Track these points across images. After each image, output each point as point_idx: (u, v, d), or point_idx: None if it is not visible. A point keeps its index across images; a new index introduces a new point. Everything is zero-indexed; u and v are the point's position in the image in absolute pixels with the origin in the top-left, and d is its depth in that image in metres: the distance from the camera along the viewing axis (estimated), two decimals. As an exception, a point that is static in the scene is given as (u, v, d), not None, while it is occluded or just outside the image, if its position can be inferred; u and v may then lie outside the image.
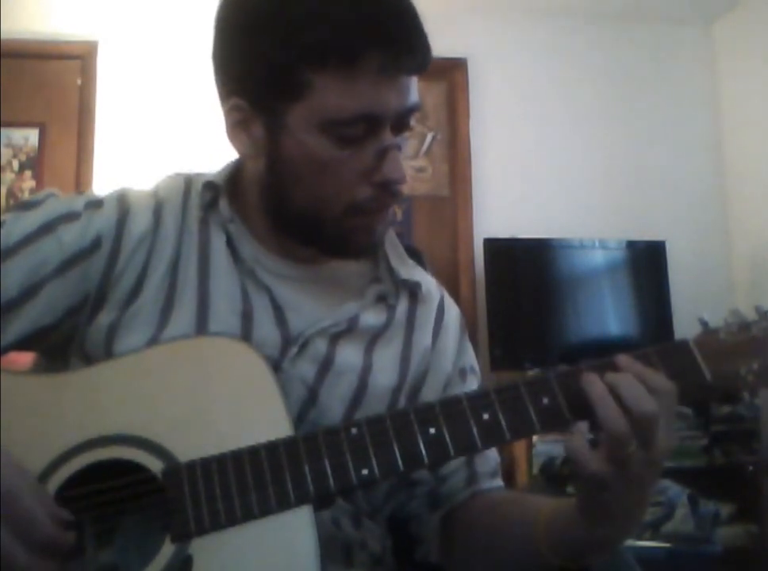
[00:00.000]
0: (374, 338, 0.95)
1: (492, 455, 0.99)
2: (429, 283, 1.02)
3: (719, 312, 0.84)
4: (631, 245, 3.47)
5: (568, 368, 0.79)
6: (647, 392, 0.73)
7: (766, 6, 3.43)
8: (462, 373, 1.00)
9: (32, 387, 0.82)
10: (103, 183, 3.17)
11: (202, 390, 0.80)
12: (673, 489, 2.79)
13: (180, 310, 0.89)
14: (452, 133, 3.58)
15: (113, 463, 0.77)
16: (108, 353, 0.86)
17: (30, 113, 3.28)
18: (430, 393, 0.96)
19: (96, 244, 0.89)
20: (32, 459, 0.75)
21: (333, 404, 0.90)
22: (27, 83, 3.28)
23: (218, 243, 0.93)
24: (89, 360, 0.88)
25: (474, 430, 0.77)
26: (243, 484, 0.75)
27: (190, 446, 0.77)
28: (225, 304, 0.90)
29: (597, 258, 3.42)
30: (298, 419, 0.86)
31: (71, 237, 0.88)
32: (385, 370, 0.94)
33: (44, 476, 0.76)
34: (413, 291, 0.99)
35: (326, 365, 0.91)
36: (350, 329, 0.93)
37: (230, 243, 0.93)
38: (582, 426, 0.78)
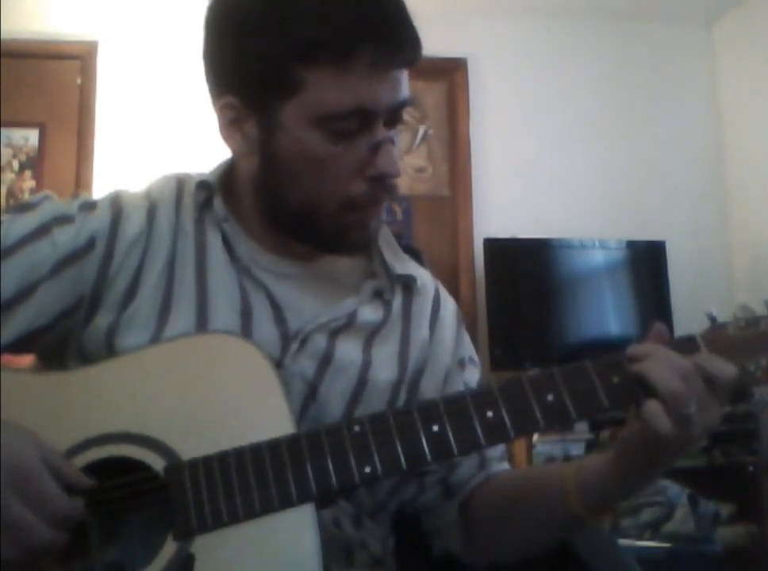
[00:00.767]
0: (372, 334, 0.95)
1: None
2: (424, 276, 1.03)
3: (718, 311, 0.84)
4: (631, 245, 3.47)
5: (572, 365, 0.79)
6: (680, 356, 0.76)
7: (766, 6, 3.43)
8: (461, 364, 1.00)
9: (33, 385, 0.82)
10: (103, 183, 3.17)
11: (204, 388, 0.80)
12: (673, 489, 2.79)
13: (179, 309, 0.89)
14: (452, 133, 3.58)
15: (116, 461, 0.77)
16: (108, 354, 0.86)
17: (30, 113, 3.28)
18: (429, 386, 0.96)
19: (90, 245, 0.89)
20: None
21: (333, 400, 0.90)
22: (27, 83, 3.27)
23: (214, 242, 0.93)
24: (88, 362, 0.87)
25: (478, 427, 0.77)
26: (245, 482, 0.75)
27: (192, 444, 0.77)
28: (224, 303, 0.90)
29: (597, 258, 3.42)
30: (299, 415, 0.86)
31: (65, 239, 0.88)
32: (384, 366, 0.94)
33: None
34: (408, 285, 0.99)
35: (326, 360, 0.91)
36: (349, 324, 0.93)
37: (226, 242, 0.93)
38: (582, 426, 0.79)
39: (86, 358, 0.88)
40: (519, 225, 3.40)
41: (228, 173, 0.96)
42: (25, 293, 0.86)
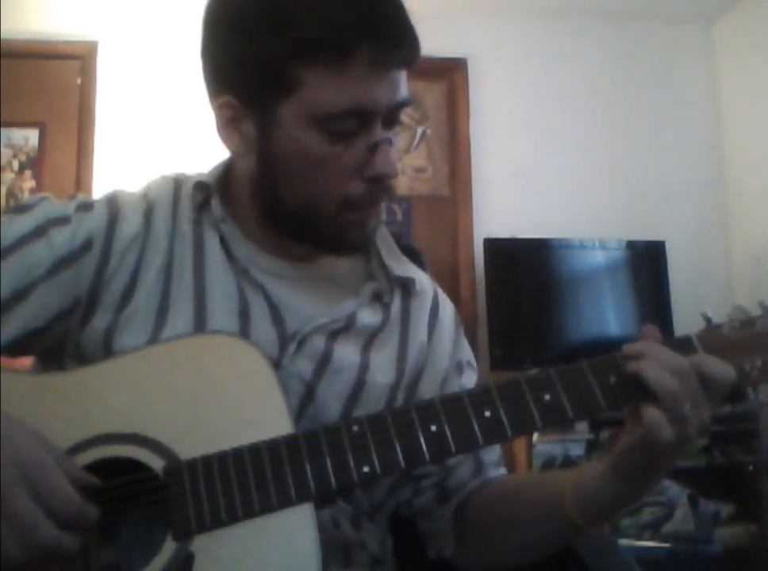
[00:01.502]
0: (371, 337, 0.95)
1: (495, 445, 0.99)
2: (422, 279, 1.03)
3: (719, 311, 0.84)
4: (631, 245, 3.47)
5: (569, 365, 0.79)
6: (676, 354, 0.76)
7: (766, 6, 3.43)
8: (459, 367, 1.00)
9: (31, 386, 0.82)
10: (103, 183, 3.17)
11: (203, 387, 0.80)
12: (673, 489, 2.79)
13: (177, 310, 0.88)
14: (452, 133, 3.58)
15: (114, 461, 0.77)
16: (106, 355, 0.86)
17: (30, 113, 3.28)
18: (427, 388, 0.96)
19: (86, 246, 0.89)
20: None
21: (330, 401, 0.90)
22: (27, 83, 3.28)
23: (212, 243, 0.93)
24: (86, 363, 0.87)
25: (476, 427, 0.77)
26: (244, 482, 0.75)
27: (191, 444, 0.77)
28: (222, 304, 0.90)
29: (597, 258, 3.42)
30: (296, 416, 0.86)
31: (61, 240, 0.88)
32: (382, 369, 0.94)
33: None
34: (407, 287, 0.99)
35: (324, 361, 0.91)
36: (347, 327, 0.93)
37: (223, 243, 0.93)
38: (582, 426, 0.79)
39: (84, 359, 0.87)
40: (519, 225, 3.40)
41: (225, 173, 0.96)
42: (22, 294, 0.86)
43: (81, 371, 0.85)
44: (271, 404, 0.79)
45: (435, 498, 0.97)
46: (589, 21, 3.69)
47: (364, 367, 0.93)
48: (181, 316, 0.88)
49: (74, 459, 0.76)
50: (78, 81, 3.33)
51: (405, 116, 0.92)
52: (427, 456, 0.77)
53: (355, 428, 0.77)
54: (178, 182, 0.97)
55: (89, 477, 0.74)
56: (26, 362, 0.95)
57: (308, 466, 0.75)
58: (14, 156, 3.27)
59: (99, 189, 3.09)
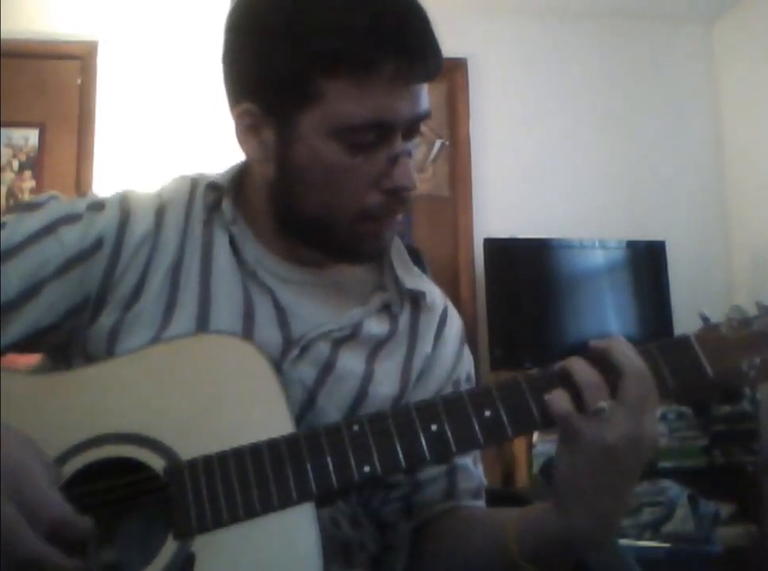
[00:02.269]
0: (376, 347, 0.95)
1: (476, 474, 0.98)
2: (434, 293, 1.02)
3: (719, 311, 0.84)
4: (631, 245, 3.47)
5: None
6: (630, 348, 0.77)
7: (766, 6, 3.43)
8: (457, 384, 0.99)
9: (32, 386, 0.82)
10: (103, 183, 3.17)
11: (204, 388, 0.80)
12: (673, 489, 2.79)
13: (181, 310, 0.88)
14: (452, 133, 3.58)
15: (115, 461, 0.77)
16: (110, 354, 0.86)
17: (30, 113, 3.28)
18: (419, 397, 0.94)
19: (97, 245, 0.89)
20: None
21: (331, 409, 0.89)
22: (27, 83, 3.28)
23: (221, 244, 0.92)
24: (91, 361, 0.87)
25: (476, 426, 0.77)
26: (245, 482, 0.75)
27: (191, 444, 0.77)
28: (227, 305, 0.90)
29: (597, 258, 3.43)
30: (296, 422, 0.86)
31: (72, 238, 0.88)
32: (386, 380, 0.93)
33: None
34: (417, 300, 0.99)
35: (327, 369, 0.90)
36: (353, 335, 0.93)
37: (233, 244, 0.92)
38: None
39: (90, 358, 0.88)
40: (519, 225, 3.40)
41: (240, 176, 0.96)
42: (32, 291, 0.86)
43: (82, 371, 0.85)
44: (272, 404, 0.79)
45: (399, 511, 0.95)
46: (588, 20, 3.69)
47: (368, 377, 0.92)
48: (185, 316, 0.88)
49: (76, 459, 0.76)
50: (78, 81, 3.33)
51: (424, 127, 0.92)
52: (428, 456, 0.77)
53: (356, 428, 0.77)
54: (194, 182, 0.96)
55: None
56: (32, 359, 0.95)
57: (309, 466, 0.75)
58: (14, 156, 3.27)
59: (99, 189, 3.09)
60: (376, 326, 0.95)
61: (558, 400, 0.75)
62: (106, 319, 0.88)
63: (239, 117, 0.89)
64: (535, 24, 3.65)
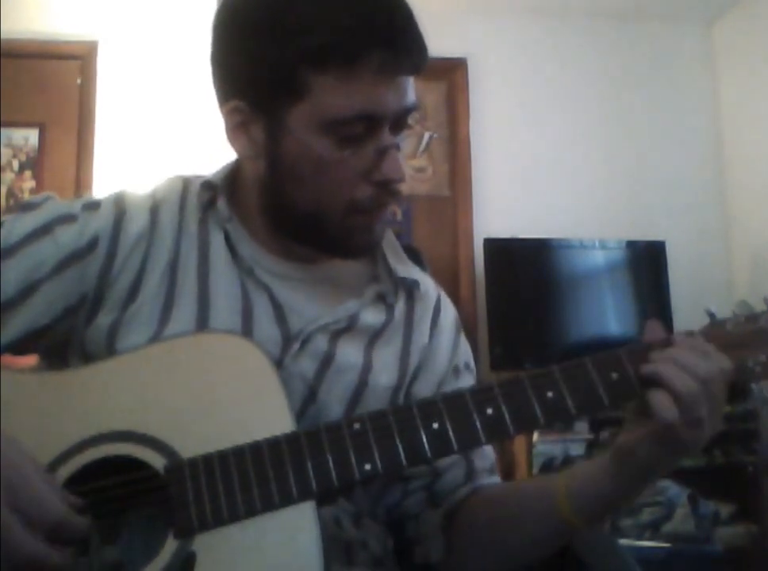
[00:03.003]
0: (373, 337, 0.95)
1: (488, 451, 0.99)
2: (427, 282, 1.03)
3: (719, 312, 0.84)
4: (631, 245, 3.47)
5: (572, 361, 0.79)
6: (703, 354, 0.76)
7: (766, 6, 3.44)
8: (456, 371, 1.00)
9: (32, 385, 0.82)
10: (103, 183, 3.17)
11: (204, 386, 0.80)
12: (673, 489, 2.79)
13: (180, 309, 0.89)
14: (452, 133, 3.58)
15: (115, 460, 0.77)
16: (110, 352, 0.86)
17: (30, 113, 3.28)
18: (422, 391, 0.96)
19: (92, 245, 0.89)
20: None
21: (332, 402, 0.90)
22: (27, 83, 3.27)
23: (217, 242, 0.93)
24: (89, 361, 0.87)
25: (478, 424, 0.77)
26: (245, 480, 0.75)
27: (192, 443, 0.77)
28: (226, 303, 0.90)
29: (597, 258, 3.43)
30: (298, 416, 0.86)
31: (67, 238, 0.88)
32: (385, 370, 0.94)
33: (47, 473, 0.75)
34: (411, 290, 0.99)
35: (326, 362, 0.91)
36: (350, 327, 0.93)
37: (228, 242, 0.93)
38: (582, 426, 0.79)
39: (89, 357, 0.88)
40: (519, 225, 3.40)
41: (233, 174, 0.97)
42: (27, 292, 0.86)
43: (82, 370, 0.85)
44: (272, 402, 0.79)
45: (424, 501, 0.96)
46: (589, 21, 3.69)
47: (367, 368, 0.93)
48: (184, 314, 0.88)
49: (75, 458, 0.76)
50: (78, 81, 3.33)
51: (413, 120, 0.92)
52: (429, 453, 0.77)
53: (357, 426, 0.77)
54: (186, 182, 0.97)
55: (70, 495, 0.72)
56: (29, 360, 0.95)
57: (309, 464, 0.75)
58: (14, 156, 3.27)
59: (99, 189, 3.09)
60: (372, 316, 0.95)
61: (668, 407, 0.74)
62: (104, 319, 0.88)
63: (228, 115, 0.89)
64: (535, 24, 3.65)
